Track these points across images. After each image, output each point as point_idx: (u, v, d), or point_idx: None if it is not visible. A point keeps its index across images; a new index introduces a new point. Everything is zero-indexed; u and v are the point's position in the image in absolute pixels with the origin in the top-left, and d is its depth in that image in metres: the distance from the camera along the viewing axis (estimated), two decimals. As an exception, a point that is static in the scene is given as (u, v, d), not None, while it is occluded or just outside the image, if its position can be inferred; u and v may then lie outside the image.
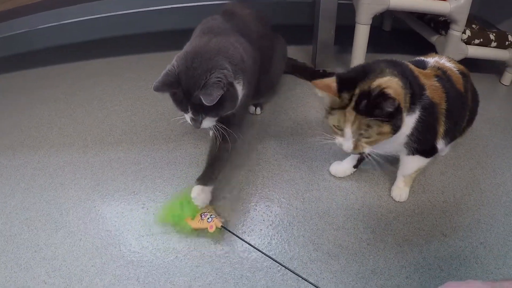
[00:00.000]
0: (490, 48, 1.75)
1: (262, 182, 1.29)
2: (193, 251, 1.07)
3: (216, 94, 1.02)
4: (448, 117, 1.02)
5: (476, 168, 1.35)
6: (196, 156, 1.39)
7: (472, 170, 1.35)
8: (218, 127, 1.16)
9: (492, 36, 1.73)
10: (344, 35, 1.79)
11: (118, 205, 1.22)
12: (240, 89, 1.15)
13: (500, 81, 1.92)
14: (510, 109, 1.73)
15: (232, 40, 1.20)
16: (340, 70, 1.87)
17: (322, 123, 1.55)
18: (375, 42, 1.86)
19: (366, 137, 0.95)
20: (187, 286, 0.99)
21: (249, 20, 1.37)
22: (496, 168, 1.36)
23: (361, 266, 1.04)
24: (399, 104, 0.89)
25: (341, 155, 1.33)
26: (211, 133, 1.43)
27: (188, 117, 1.14)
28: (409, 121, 0.97)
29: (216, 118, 1.14)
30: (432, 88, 0.99)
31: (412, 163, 1.13)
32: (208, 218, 1.08)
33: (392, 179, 1.25)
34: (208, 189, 1.14)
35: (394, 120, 0.91)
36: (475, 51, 1.71)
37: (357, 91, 0.91)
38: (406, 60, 1.17)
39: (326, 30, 1.78)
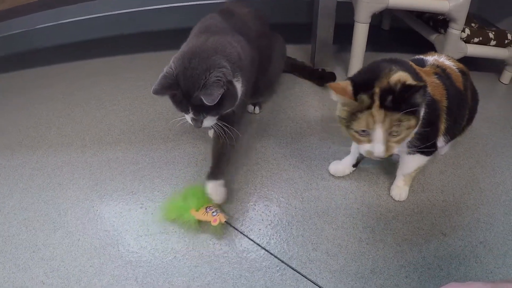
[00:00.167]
0: (489, 46, 1.74)
1: (261, 182, 1.28)
2: (191, 251, 1.07)
3: (217, 93, 1.02)
4: (448, 114, 1.02)
5: (475, 167, 1.35)
6: (195, 155, 1.38)
7: (471, 169, 1.34)
8: (219, 125, 1.16)
9: (491, 35, 1.72)
10: (343, 34, 1.78)
11: (117, 205, 1.22)
12: (239, 86, 1.15)
13: (499, 80, 1.92)
14: (509, 108, 1.73)
15: (230, 38, 1.20)
16: (339, 68, 1.88)
17: (321, 121, 1.55)
18: (374, 41, 1.86)
19: (396, 135, 0.92)
20: (185, 286, 0.99)
21: (247, 19, 1.37)
22: (495, 167, 1.36)
23: (360, 266, 1.03)
24: (424, 92, 0.89)
25: (340, 154, 1.33)
26: (210, 133, 1.43)
27: (188, 117, 1.13)
28: None
29: (216, 117, 1.14)
30: (433, 85, 0.99)
31: (412, 162, 1.13)
32: (213, 212, 1.09)
33: (392, 178, 1.25)
34: (220, 183, 1.15)
35: (417, 111, 0.90)
36: (474, 50, 1.71)
37: (376, 90, 0.88)
38: (405, 59, 1.18)
39: (325, 29, 1.77)
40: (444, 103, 1.00)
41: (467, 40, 1.70)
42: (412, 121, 0.90)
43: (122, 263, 1.04)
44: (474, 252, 1.07)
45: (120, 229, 1.14)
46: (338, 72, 1.86)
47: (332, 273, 1.01)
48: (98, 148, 1.44)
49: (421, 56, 1.14)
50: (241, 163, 1.34)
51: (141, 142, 1.46)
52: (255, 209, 1.19)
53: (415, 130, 0.94)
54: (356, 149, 1.22)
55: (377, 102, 0.88)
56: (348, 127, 0.95)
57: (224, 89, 1.04)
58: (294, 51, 1.94)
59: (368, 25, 1.65)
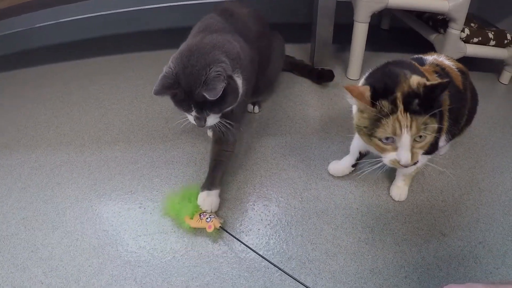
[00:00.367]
0: (488, 46, 1.74)
1: (260, 181, 1.28)
2: (190, 251, 1.07)
3: (219, 87, 1.01)
4: (450, 113, 1.02)
5: (475, 168, 1.35)
6: (194, 155, 1.38)
7: (471, 170, 1.34)
8: (222, 123, 1.15)
9: (490, 35, 1.72)
10: (342, 34, 1.78)
11: (115, 204, 1.21)
12: (240, 82, 1.15)
13: (498, 80, 1.92)
14: (509, 108, 1.73)
15: (228, 37, 1.19)
16: (339, 68, 1.88)
17: (321, 120, 1.55)
18: (374, 41, 1.86)
19: (421, 141, 0.90)
20: (184, 286, 0.99)
21: (247, 19, 1.36)
22: (495, 167, 1.36)
23: (359, 266, 1.03)
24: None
25: (340, 154, 1.33)
26: (209, 132, 1.42)
27: (191, 117, 1.12)
28: None
29: (219, 114, 1.13)
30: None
31: None
32: (207, 218, 1.08)
33: (391, 178, 1.25)
34: (213, 193, 1.14)
35: (437, 113, 0.89)
36: (474, 50, 1.71)
37: (398, 94, 0.86)
38: (406, 59, 1.18)
39: (324, 28, 1.77)
40: (447, 101, 1.00)
41: (466, 40, 1.70)
42: (435, 124, 0.88)
43: (121, 262, 1.04)
44: (473, 252, 1.07)
45: (119, 229, 1.13)
46: (337, 71, 1.86)
47: (332, 273, 1.01)
48: (97, 148, 1.44)
49: (421, 56, 1.13)
50: (240, 163, 1.34)
51: (140, 141, 1.46)
52: (254, 209, 1.19)
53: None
54: (355, 149, 1.22)
55: (401, 107, 0.85)
56: (370, 135, 0.91)
57: (225, 83, 1.04)
58: (294, 51, 1.94)
59: (367, 24, 1.65)
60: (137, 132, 1.51)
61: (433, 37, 1.78)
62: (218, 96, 1.01)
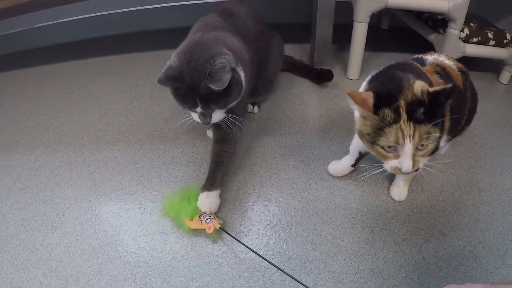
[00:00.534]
0: (488, 46, 1.74)
1: (260, 182, 1.28)
2: (190, 251, 1.07)
3: (226, 77, 1.01)
4: (451, 113, 1.01)
5: (474, 167, 1.35)
6: (193, 155, 1.38)
7: (470, 169, 1.34)
8: (227, 118, 1.14)
9: (490, 35, 1.72)
10: (342, 34, 1.78)
11: (115, 205, 1.21)
12: (242, 75, 1.14)
13: (498, 80, 1.92)
14: (508, 107, 1.73)
15: (228, 35, 1.19)
16: (338, 68, 1.87)
17: (320, 121, 1.55)
18: (373, 41, 1.86)
19: (423, 149, 0.89)
20: (184, 286, 0.98)
21: (245, 18, 1.36)
22: (494, 167, 1.36)
23: (359, 266, 1.03)
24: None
25: (339, 154, 1.33)
26: (208, 132, 1.42)
27: (196, 113, 1.11)
28: None
29: (224, 110, 1.12)
30: (436, 84, 0.99)
31: None
32: (206, 219, 1.08)
33: (391, 178, 1.25)
34: (213, 194, 1.14)
35: (441, 121, 0.88)
36: (473, 50, 1.71)
37: (402, 103, 0.85)
38: (404, 59, 1.18)
39: (324, 28, 1.77)
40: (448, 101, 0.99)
41: (466, 40, 1.69)
42: (438, 133, 0.87)
43: (121, 263, 1.04)
44: (473, 252, 1.07)
45: (119, 229, 1.13)
46: (337, 71, 1.86)
47: (332, 273, 1.01)
48: (97, 148, 1.44)
49: (421, 55, 1.13)
50: (240, 163, 1.34)
51: (139, 141, 1.46)
52: (254, 209, 1.19)
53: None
54: (355, 149, 1.22)
55: (404, 116, 0.84)
56: (373, 143, 0.91)
57: (231, 74, 1.04)
58: (294, 51, 1.94)
59: (367, 24, 1.65)
60: (136, 133, 1.51)
61: (432, 37, 1.78)
62: (225, 86, 1.00)
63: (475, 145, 1.45)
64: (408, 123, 0.85)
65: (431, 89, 0.85)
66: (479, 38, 1.71)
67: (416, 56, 1.14)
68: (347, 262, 1.04)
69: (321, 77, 1.76)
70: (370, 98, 0.87)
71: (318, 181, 1.28)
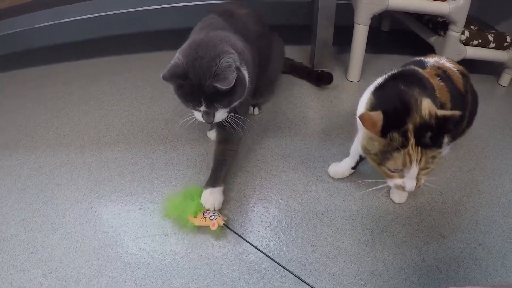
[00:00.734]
0: (488, 49, 1.75)
1: (260, 183, 1.28)
2: (190, 253, 1.07)
3: (232, 76, 1.01)
4: None
5: (474, 170, 1.35)
6: (194, 156, 1.38)
7: (470, 172, 1.34)
8: (230, 117, 1.15)
9: (490, 37, 1.73)
10: (342, 35, 1.78)
11: (115, 206, 1.21)
12: (246, 74, 1.14)
13: (498, 82, 1.92)
14: (508, 110, 1.73)
15: (232, 34, 1.20)
16: (338, 70, 1.87)
17: (321, 123, 1.55)
18: (374, 43, 1.86)
19: (426, 170, 0.89)
20: (184, 288, 0.99)
21: (247, 19, 1.36)
22: (494, 169, 1.36)
23: (359, 268, 1.03)
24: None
25: (340, 156, 1.33)
26: (209, 134, 1.42)
27: (199, 112, 1.11)
28: None
29: (227, 109, 1.12)
30: (439, 88, 0.99)
31: None
32: (210, 216, 1.09)
33: (391, 180, 1.25)
34: (217, 190, 1.15)
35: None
36: (474, 52, 1.71)
37: (410, 126, 0.84)
38: (405, 61, 1.18)
39: (324, 30, 1.77)
40: (448, 105, 1.00)
41: (466, 43, 1.70)
42: (441, 155, 0.88)
43: (121, 264, 1.04)
44: (473, 254, 1.07)
45: (119, 231, 1.13)
46: (337, 73, 1.86)
47: (332, 275, 1.01)
48: (97, 149, 1.44)
49: (421, 58, 1.14)
50: (240, 165, 1.34)
51: (140, 142, 1.46)
52: (254, 211, 1.19)
53: None
54: (356, 151, 1.22)
55: (412, 141, 0.84)
56: (380, 164, 0.91)
57: (236, 73, 1.04)
58: (294, 52, 1.94)
59: (367, 26, 1.65)
60: (137, 134, 1.51)
61: (433, 39, 1.78)
62: (231, 86, 1.01)
63: (475, 147, 1.45)
64: (416, 148, 0.85)
65: (439, 113, 0.85)
66: (480, 41, 1.71)
67: (417, 58, 1.15)
68: (347, 264, 1.04)
69: (321, 79, 1.76)
70: (379, 121, 0.86)
71: (318, 183, 1.28)
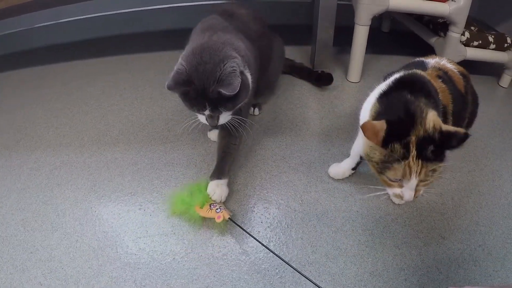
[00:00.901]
0: (489, 50, 1.75)
1: (260, 184, 1.28)
2: (190, 253, 1.07)
3: (236, 82, 1.02)
4: (452, 117, 1.02)
5: (474, 171, 1.35)
6: (194, 156, 1.38)
7: (470, 173, 1.34)
8: (233, 119, 1.15)
9: (491, 38, 1.73)
10: (343, 36, 1.78)
11: (115, 206, 1.21)
12: (249, 77, 1.15)
13: (498, 83, 1.93)
14: (508, 111, 1.73)
15: (234, 36, 1.20)
16: (339, 70, 1.88)
17: (321, 123, 1.55)
18: (374, 43, 1.86)
19: (426, 181, 0.89)
20: (184, 288, 0.99)
21: (247, 19, 1.37)
22: (494, 170, 1.36)
23: (359, 269, 1.03)
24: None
25: (340, 156, 1.33)
26: (209, 134, 1.42)
27: (204, 116, 1.12)
28: None
29: (231, 112, 1.13)
30: (441, 90, 0.99)
31: None
32: (217, 209, 1.09)
33: (391, 181, 1.25)
34: (223, 182, 1.17)
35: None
36: (474, 53, 1.71)
37: (412, 138, 0.84)
38: (405, 62, 1.18)
39: (325, 31, 1.77)
40: (449, 107, 1.00)
41: (466, 44, 1.70)
42: (441, 169, 0.88)
43: (121, 264, 1.04)
44: (473, 255, 1.07)
45: (119, 231, 1.13)
46: (338, 74, 1.86)
47: (332, 276, 1.01)
48: (97, 149, 1.44)
49: (422, 59, 1.14)
50: (240, 165, 1.34)
51: (140, 142, 1.46)
52: (254, 211, 1.19)
53: None
54: (356, 152, 1.22)
55: (414, 153, 0.84)
56: (380, 173, 0.92)
57: (240, 78, 1.04)
58: (294, 53, 1.94)
59: (368, 27, 1.66)
60: (137, 134, 1.51)
61: (433, 40, 1.78)
62: (235, 92, 1.01)
63: (475, 148, 1.46)
64: (416, 160, 0.84)
65: (444, 128, 0.85)
66: (480, 42, 1.72)
67: (418, 59, 1.15)
68: (347, 265, 1.04)
69: (321, 80, 1.76)
70: (381, 131, 0.85)
71: (318, 183, 1.28)
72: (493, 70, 1.95)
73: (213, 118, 1.10)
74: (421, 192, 0.92)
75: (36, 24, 2.26)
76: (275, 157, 1.38)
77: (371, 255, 1.06)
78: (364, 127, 0.86)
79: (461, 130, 0.84)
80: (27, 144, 1.49)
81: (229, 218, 1.08)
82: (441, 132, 0.84)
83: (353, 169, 1.27)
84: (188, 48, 1.14)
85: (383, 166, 0.89)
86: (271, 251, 1.03)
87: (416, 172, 0.85)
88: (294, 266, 1.00)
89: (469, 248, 1.09)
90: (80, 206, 1.21)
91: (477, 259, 1.06)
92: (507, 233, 1.14)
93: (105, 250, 1.08)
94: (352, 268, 1.03)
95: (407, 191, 0.90)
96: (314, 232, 1.13)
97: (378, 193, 1.00)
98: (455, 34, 1.64)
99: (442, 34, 1.74)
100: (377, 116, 0.93)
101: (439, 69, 1.06)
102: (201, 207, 1.11)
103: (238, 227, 1.10)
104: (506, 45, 1.75)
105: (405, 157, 0.84)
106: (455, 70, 1.10)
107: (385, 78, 1.08)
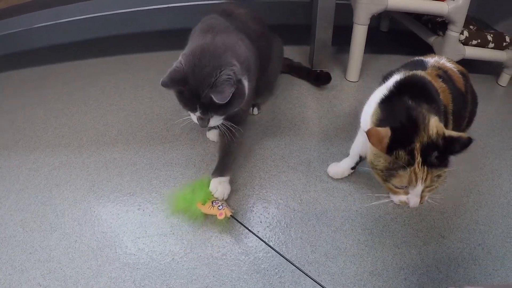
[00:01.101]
0: (487, 49, 1.75)
1: (259, 183, 1.28)
2: (189, 253, 1.06)
3: (228, 91, 1.02)
4: (453, 116, 1.01)
5: (474, 170, 1.35)
6: (193, 157, 1.38)
7: (470, 172, 1.34)
8: (224, 125, 1.16)
9: (489, 37, 1.73)
10: (341, 35, 1.78)
11: (114, 206, 1.21)
12: (246, 84, 1.15)
13: (497, 82, 1.93)
14: (507, 110, 1.73)
15: (235, 38, 1.19)
16: (337, 70, 1.87)
17: (320, 122, 1.55)
18: (373, 43, 1.86)
19: (431, 187, 0.89)
20: (183, 288, 0.98)
21: (246, 19, 1.37)
22: (493, 169, 1.36)
23: (359, 268, 1.03)
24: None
25: (339, 156, 1.33)
26: (208, 134, 1.42)
27: (195, 116, 1.13)
28: None
29: (223, 117, 1.14)
30: (441, 90, 0.98)
31: None
32: (219, 206, 1.09)
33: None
34: (225, 179, 1.17)
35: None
36: (473, 52, 1.71)
37: (417, 145, 0.84)
38: (404, 61, 1.18)
39: (324, 30, 1.77)
40: (450, 106, 0.99)
41: (465, 42, 1.70)
42: (446, 173, 0.88)
43: (120, 265, 1.04)
44: (472, 254, 1.07)
45: (118, 231, 1.13)
46: (336, 73, 1.86)
47: (331, 275, 1.01)
48: (96, 149, 1.43)
49: (421, 58, 1.13)
50: (240, 165, 1.34)
51: (139, 143, 1.46)
52: (253, 210, 1.19)
53: None
54: (356, 152, 1.22)
55: (419, 159, 0.84)
56: (385, 180, 0.91)
57: (234, 87, 1.04)
58: (293, 53, 1.94)
59: (367, 27, 1.65)
60: (136, 134, 1.50)
61: (432, 39, 1.78)
62: (226, 101, 1.01)
63: (475, 147, 1.44)
64: (422, 167, 0.84)
65: (447, 134, 0.85)
66: (479, 41, 1.72)
67: (417, 58, 1.15)
68: (346, 264, 1.04)
69: (320, 79, 1.76)
70: (386, 138, 0.84)
71: (317, 183, 1.28)
72: (492, 69, 1.95)
73: (203, 120, 1.11)
74: (426, 198, 0.92)
75: (36, 24, 2.26)
76: (274, 156, 1.38)
77: (371, 255, 1.06)
78: (369, 133, 0.86)
79: (464, 135, 0.84)
80: (26, 144, 1.48)
81: (231, 215, 1.08)
82: (444, 137, 0.84)
83: (352, 168, 1.27)
84: (189, 47, 1.14)
85: (388, 173, 0.88)
86: (273, 248, 1.03)
87: (422, 178, 0.85)
88: (296, 264, 1.00)
89: (469, 247, 1.09)
90: (79, 206, 1.21)
91: (477, 258, 1.06)
92: (507, 232, 1.14)
93: (104, 250, 1.08)
94: (352, 267, 1.03)
95: (413, 197, 0.90)
96: (314, 231, 1.12)
97: (382, 201, 1.00)
98: (454, 33, 1.64)
99: (441, 33, 1.74)
100: (379, 122, 0.93)
101: (439, 68, 1.06)
102: (203, 204, 1.11)
103: (238, 226, 1.10)
104: (504, 44, 1.75)
105: (410, 163, 0.84)
106: (455, 69, 1.10)
107: (384, 78, 1.08)
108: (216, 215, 1.08)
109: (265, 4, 2.28)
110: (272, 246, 1.05)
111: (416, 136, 0.84)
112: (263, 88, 1.52)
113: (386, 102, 0.96)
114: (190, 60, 1.06)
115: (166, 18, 2.35)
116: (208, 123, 1.12)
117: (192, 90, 1.05)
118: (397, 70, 1.06)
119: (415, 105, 0.89)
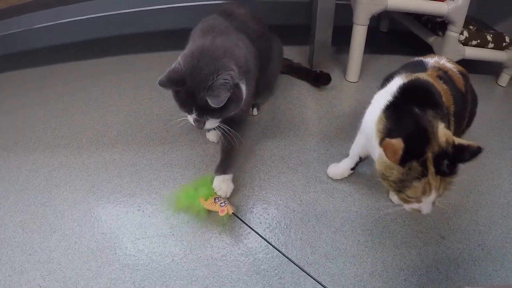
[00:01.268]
0: (487, 49, 1.75)
1: (259, 184, 1.28)
2: (189, 254, 1.06)
3: (224, 96, 1.02)
4: (454, 116, 1.01)
5: (473, 170, 1.35)
6: (192, 157, 1.38)
7: (469, 172, 1.34)
8: (221, 127, 1.16)
9: (489, 37, 1.73)
10: (341, 36, 1.78)
11: (114, 207, 1.21)
12: (244, 88, 1.15)
13: (497, 82, 1.93)
14: (507, 110, 1.73)
15: (235, 39, 1.20)
16: (337, 70, 1.87)
17: (320, 123, 1.55)
18: (372, 43, 1.86)
19: (443, 194, 0.89)
20: (183, 289, 0.98)
21: (246, 19, 1.37)
22: (493, 169, 1.36)
23: (359, 269, 1.03)
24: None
25: (339, 157, 1.33)
26: (207, 135, 1.42)
27: (191, 118, 1.13)
28: None
29: (219, 119, 1.14)
30: (443, 92, 0.98)
31: None
32: (221, 203, 1.09)
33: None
34: (228, 177, 1.17)
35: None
36: (473, 52, 1.71)
37: (429, 155, 0.83)
38: (403, 61, 1.18)
39: (323, 31, 1.77)
40: (451, 108, 0.99)
41: (465, 43, 1.70)
42: (456, 179, 0.88)
43: (120, 266, 1.04)
44: (472, 255, 1.07)
45: (117, 232, 1.13)
46: (336, 73, 1.86)
47: (331, 276, 1.01)
48: (95, 150, 1.43)
49: (421, 58, 1.13)
50: (239, 166, 1.33)
51: (138, 143, 1.46)
52: (253, 211, 1.19)
53: None
54: (355, 153, 1.22)
55: (432, 169, 0.84)
56: (399, 192, 0.90)
57: (231, 92, 1.04)
58: (293, 53, 1.94)
59: (366, 27, 1.65)
60: (135, 135, 1.50)
61: (432, 40, 1.78)
62: (221, 105, 1.01)
63: (474, 147, 1.45)
64: (436, 176, 0.84)
65: (456, 142, 0.85)
66: (478, 41, 1.72)
67: (417, 59, 1.14)
68: (346, 265, 1.04)
69: (319, 80, 1.76)
70: (400, 150, 0.83)
71: (317, 184, 1.28)
72: (492, 69, 1.95)
73: (199, 122, 1.12)
74: (436, 203, 0.92)
75: (37, 25, 2.26)
76: (274, 157, 1.38)
77: (371, 255, 1.06)
78: (385, 148, 0.85)
79: (474, 144, 0.84)
80: (25, 145, 1.48)
81: (232, 213, 1.08)
82: (454, 146, 0.84)
83: (352, 169, 1.27)
84: (189, 48, 1.14)
85: (402, 185, 0.88)
86: (273, 246, 1.03)
87: (436, 187, 0.85)
88: (297, 263, 1.00)
89: (469, 247, 1.09)
90: (78, 207, 1.21)
91: (477, 259, 1.06)
92: (507, 233, 1.14)
93: (103, 251, 1.08)
94: (352, 268, 1.03)
95: (426, 205, 0.90)
96: (313, 232, 1.12)
97: (396, 209, 1.00)
98: (454, 33, 1.64)
99: (440, 33, 1.74)
100: (387, 132, 0.92)
101: (439, 69, 1.05)
102: (206, 200, 1.12)
103: (238, 226, 1.10)
104: (504, 44, 1.75)
105: (424, 174, 0.84)
106: (455, 70, 1.10)
107: (385, 80, 1.08)
108: (218, 212, 1.08)
109: (265, 4, 2.28)
110: (272, 243, 1.04)
111: (428, 146, 0.84)
112: (263, 88, 1.52)
113: (391, 109, 0.94)
114: (189, 62, 1.06)
115: (166, 18, 2.35)
116: (204, 125, 1.12)
117: (189, 92, 1.05)
118: (398, 72, 1.06)
119: (422, 113, 0.88)
